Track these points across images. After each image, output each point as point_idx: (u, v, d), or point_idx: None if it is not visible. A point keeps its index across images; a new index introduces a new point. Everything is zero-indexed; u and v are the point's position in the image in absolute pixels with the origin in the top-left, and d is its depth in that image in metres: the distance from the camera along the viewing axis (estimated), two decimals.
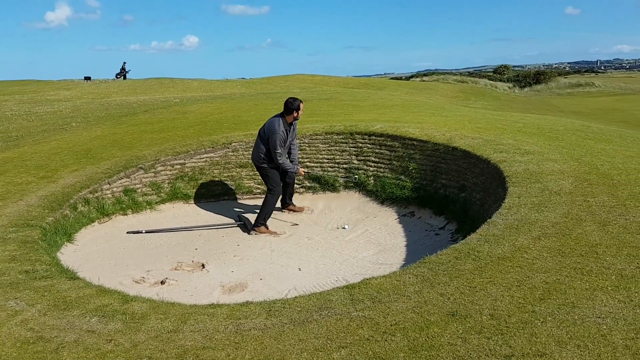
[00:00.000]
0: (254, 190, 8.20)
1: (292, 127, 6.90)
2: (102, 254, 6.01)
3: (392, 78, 70.10)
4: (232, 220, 7.23)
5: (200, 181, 8.06)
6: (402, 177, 7.53)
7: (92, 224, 6.70)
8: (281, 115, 6.79)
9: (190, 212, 7.61)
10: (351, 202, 7.70)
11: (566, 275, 3.35)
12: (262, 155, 6.89)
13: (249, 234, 6.72)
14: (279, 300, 3.69)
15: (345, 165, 8.21)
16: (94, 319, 3.43)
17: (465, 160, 6.82)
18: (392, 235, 6.45)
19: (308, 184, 8.18)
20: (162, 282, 5.09)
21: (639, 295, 3.00)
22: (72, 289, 3.97)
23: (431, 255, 3.99)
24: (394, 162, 7.79)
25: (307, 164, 8.35)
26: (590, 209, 4.43)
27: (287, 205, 7.54)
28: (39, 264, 4.50)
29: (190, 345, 3.04)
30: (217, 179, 8.19)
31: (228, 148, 8.43)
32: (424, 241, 6.10)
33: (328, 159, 8.38)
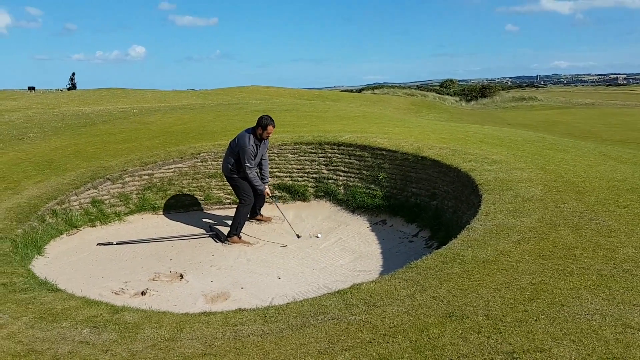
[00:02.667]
0: (224, 201, 8.14)
1: (262, 143, 6.92)
2: (74, 266, 5.82)
3: (342, 90, 70.85)
4: (203, 231, 7.15)
5: (169, 192, 7.94)
6: (372, 186, 7.68)
7: (61, 236, 6.47)
8: (252, 129, 6.82)
9: (159, 223, 7.47)
10: (322, 212, 7.77)
11: (550, 276, 3.54)
12: (231, 166, 6.92)
13: (222, 244, 6.67)
14: (273, 306, 3.70)
15: (315, 175, 8.29)
16: (85, 330, 3.34)
17: (434, 169, 7.03)
18: (366, 243, 6.56)
19: (278, 194, 8.20)
20: (143, 293, 4.98)
21: (620, 294, 3.21)
22: (56, 301, 3.84)
23: (417, 260, 4.10)
24: (364, 172, 7.93)
25: (277, 173, 8.38)
26: (562, 214, 4.68)
27: (255, 215, 7.52)
28: (15, 277, 4.33)
29: (191, 352, 3.02)
30: (186, 189, 8.08)
31: (197, 158, 8.35)
32: (399, 248, 6.24)
33: (297, 169, 8.43)
